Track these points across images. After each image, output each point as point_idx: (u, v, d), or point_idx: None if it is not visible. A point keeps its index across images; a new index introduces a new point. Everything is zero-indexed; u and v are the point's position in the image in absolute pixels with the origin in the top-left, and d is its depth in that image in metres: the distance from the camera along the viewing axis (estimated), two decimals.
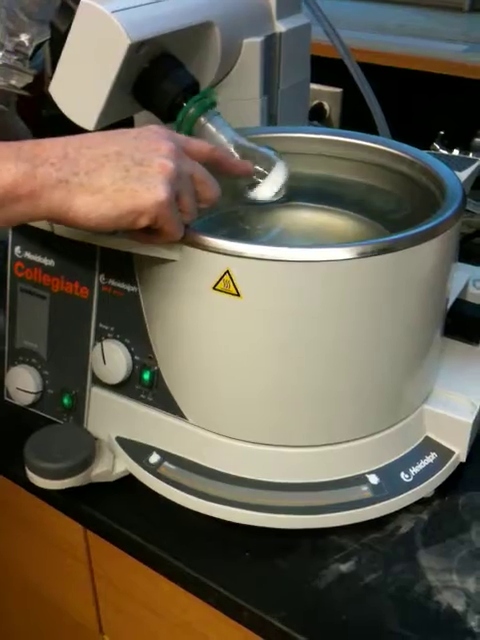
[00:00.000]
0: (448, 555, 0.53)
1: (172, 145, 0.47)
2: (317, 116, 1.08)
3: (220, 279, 0.49)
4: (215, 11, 0.63)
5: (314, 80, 0.82)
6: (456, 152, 0.91)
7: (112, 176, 0.44)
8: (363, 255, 0.47)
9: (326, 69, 0.89)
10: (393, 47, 1.05)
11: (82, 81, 0.57)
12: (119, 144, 0.46)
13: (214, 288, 0.49)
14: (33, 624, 0.82)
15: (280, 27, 0.71)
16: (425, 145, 0.93)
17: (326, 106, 1.08)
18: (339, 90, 1.07)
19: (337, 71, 0.84)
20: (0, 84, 0.66)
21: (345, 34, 0.82)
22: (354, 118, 0.85)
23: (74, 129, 0.59)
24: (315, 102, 1.08)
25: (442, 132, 0.94)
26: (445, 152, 0.92)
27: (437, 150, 0.93)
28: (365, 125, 0.83)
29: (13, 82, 0.67)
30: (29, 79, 0.67)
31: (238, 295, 0.49)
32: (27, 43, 0.65)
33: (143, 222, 0.45)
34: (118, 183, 0.44)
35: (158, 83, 0.58)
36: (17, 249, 0.61)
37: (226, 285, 0.49)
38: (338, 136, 0.64)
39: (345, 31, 0.82)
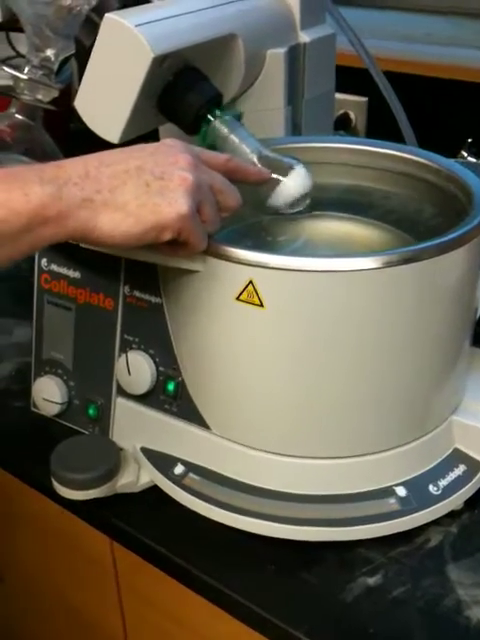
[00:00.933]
0: (478, 569, 0.52)
1: (190, 157, 0.47)
2: (343, 125, 1.08)
3: (244, 290, 0.49)
4: (238, 23, 0.63)
5: (339, 89, 0.82)
6: None
7: (134, 192, 0.44)
8: (388, 264, 0.47)
9: (351, 78, 0.89)
10: (419, 55, 1.04)
11: (107, 95, 0.58)
12: (138, 159, 0.46)
13: (238, 299, 0.49)
14: (59, 633, 0.82)
15: (304, 37, 0.71)
16: (452, 153, 0.92)
17: (352, 115, 1.08)
18: (364, 99, 1.07)
19: (362, 80, 0.84)
20: (26, 99, 0.67)
21: (370, 43, 0.81)
22: (380, 127, 0.84)
23: (101, 143, 0.60)
24: (341, 112, 1.07)
25: (470, 140, 0.93)
26: (473, 160, 0.91)
27: (465, 158, 0.92)
28: (391, 134, 0.82)
29: (39, 97, 0.68)
30: (55, 94, 0.68)
31: (262, 306, 0.49)
32: (53, 58, 0.66)
33: (167, 236, 0.46)
34: (141, 198, 0.44)
35: (182, 96, 0.58)
36: (44, 261, 0.62)
37: (250, 296, 0.49)
38: (363, 145, 0.63)
39: (370, 40, 0.82)
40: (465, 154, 0.93)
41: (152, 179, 0.45)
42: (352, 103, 1.07)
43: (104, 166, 0.45)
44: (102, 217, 0.44)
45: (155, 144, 0.49)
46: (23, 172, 0.43)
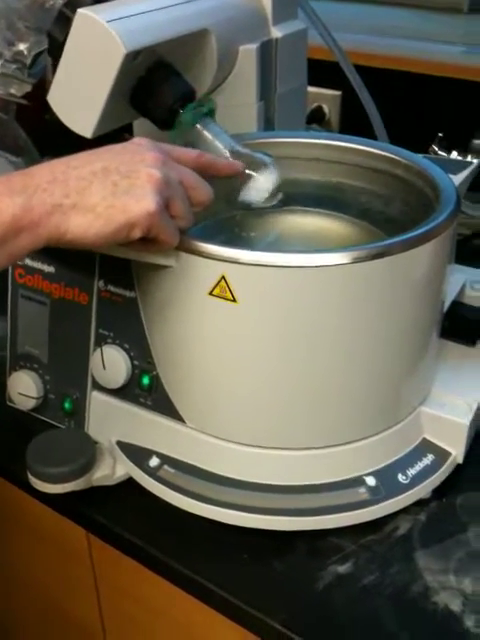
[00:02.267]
0: (445, 556, 0.53)
1: (157, 154, 0.48)
2: (316, 119, 1.09)
3: (216, 285, 0.49)
4: (211, 19, 0.64)
5: (314, 83, 0.83)
6: (455, 154, 0.91)
7: (101, 192, 0.45)
8: (358, 260, 0.48)
9: (326, 72, 0.89)
10: (391, 49, 1.05)
11: (79, 90, 0.58)
12: (104, 160, 0.46)
13: (210, 294, 0.50)
14: (37, 626, 0.82)
15: (276, 33, 0.72)
16: (424, 147, 0.93)
17: (325, 109, 1.09)
18: (338, 93, 1.07)
19: (336, 74, 0.85)
20: None
21: (342, 37, 0.82)
22: (354, 120, 0.85)
23: (75, 136, 0.60)
24: (314, 105, 1.08)
25: (441, 134, 0.95)
26: (444, 154, 0.92)
27: (436, 152, 0.94)
28: (365, 127, 0.83)
29: (12, 91, 0.67)
30: (28, 88, 0.68)
31: (234, 301, 0.49)
32: (26, 52, 0.66)
33: (137, 234, 0.46)
34: (108, 199, 0.45)
35: (155, 91, 0.59)
36: None
37: (222, 291, 0.49)
38: (334, 140, 0.64)
39: (342, 34, 0.83)
40: (436, 148, 0.95)
41: (119, 178, 0.46)
42: (326, 97, 1.08)
43: (71, 169, 0.45)
44: (73, 220, 0.44)
45: (123, 144, 0.49)
46: None
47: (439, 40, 1.07)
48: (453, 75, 0.99)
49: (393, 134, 0.86)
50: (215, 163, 0.54)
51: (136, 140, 0.49)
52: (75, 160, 0.46)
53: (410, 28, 1.10)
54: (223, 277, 0.49)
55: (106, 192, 0.45)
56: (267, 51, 0.70)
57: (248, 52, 0.68)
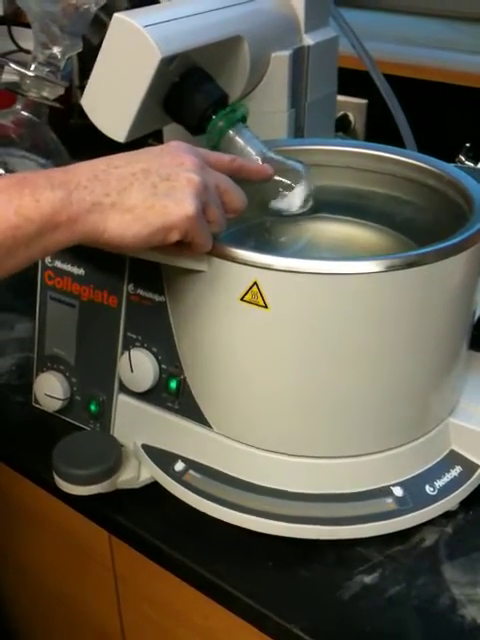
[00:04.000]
0: (472, 569, 0.53)
1: (195, 158, 0.48)
2: (342, 127, 1.09)
3: (248, 291, 0.49)
4: (244, 25, 0.64)
5: (339, 91, 0.83)
6: None
7: (142, 194, 0.45)
8: (391, 268, 0.48)
9: (351, 80, 0.89)
10: (419, 59, 1.05)
11: (113, 94, 0.58)
12: (145, 162, 0.47)
13: (242, 299, 0.50)
14: (57, 628, 0.82)
15: (308, 40, 0.72)
16: (450, 157, 0.93)
17: (351, 117, 1.09)
18: (364, 101, 1.07)
19: (362, 82, 0.85)
20: (33, 96, 0.67)
21: (370, 46, 0.82)
22: (379, 129, 0.85)
23: (102, 140, 0.61)
24: (340, 113, 1.08)
25: (468, 144, 0.94)
26: (471, 164, 0.92)
27: (463, 162, 0.93)
28: (390, 136, 0.83)
29: (45, 94, 0.68)
30: (61, 91, 0.69)
31: (266, 307, 0.49)
32: (59, 56, 0.66)
33: (174, 237, 0.46)
34: (148, 200, 0.45)
35: (188, 96, 0.59)
36: (47, 258, 0.62)
37: (254, 297, 0.49)
38: (366, 149, 0.64)
39: (370, 42, 0.83)
40: (463, 159, 0.94)
41: (159, 180, 0.46)
42: (352, 105, 1.08)
43: (112, 168, 0.46)
44: (111, 220, 0.44)
45: (161, 146, 0.49)
46: (33, 178, 0.43)
47: (467, 50, 1.07)
48: None
49: (420, 143, 0.86)
50: (247, 167, 0.55)
51: (173, 143, 0.49)
52: (116, 160, 0.46)
53: (438, 38, 1.10)
54: (255, 283, 0.49)
55: (146, 194, 0.45)
56: (299, 58, 0.70)
57: (280, 59, 0.68)
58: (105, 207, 0.44)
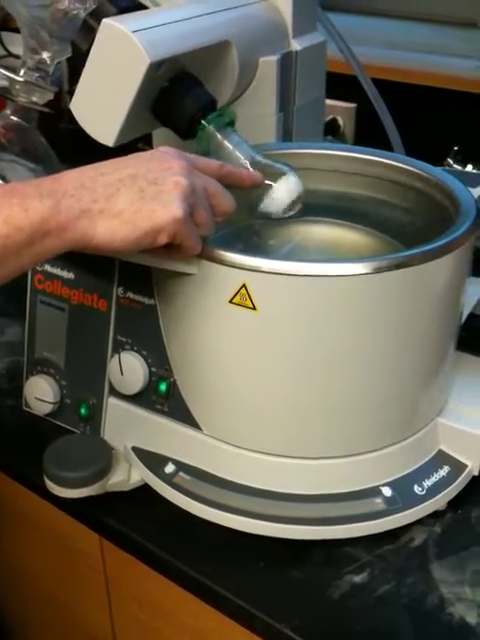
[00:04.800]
0: (461, 568, 0.53)
1: (183, 162, 0.48)
2: (331, 131, 1.09)
3: (237, 293, 0.50)
4: (232, 30, 0.64)
5: (328, 95, 0.83)
6: (470, 168, 0.92)
7: (129, 198, 0.45)
8: (378, 270, 0.48)
9: (339, 84, 0.90)
10: (406, 63, 1.06)
11: (102, 99, 0.59)
12: (132, 167, 0.47)
13: (230, 302, 0.50)
14: (49, 630, 0.82)
15: (296, 45, 0.72)
16: (439, 161, 0.94)
17: (340, 121, 1.10)
18: (353, 105, 1.08)
19: (350, 86, 0.85)
20: (22, 101, 0.68)
21: (358, 50, 0.83)
22: (367, 133, 0.86)
23: (90, 144, 0.61)
24: (329, 117, 1.09)
25: (456, 148, 0.95)
26: (459, 168, 0.93)
27: (451, 166, 0.94)
28: (378, 140, 0.84)
29: (35, 99, 0.68)
30: (50, 96, 0.69)
31: (254, 309, 0.50)
32: (48, 61, 0.67)
33: (163, 240, 0.47)
34: (136, 204, 0.45)
35: (177, 101, 0.59)
36: None
37: (242, 299, 0.50)
38: (354, 152, 0.65)
39: (358, 47, 0.83)
40: (451, 162, 0.95)
41: (146, 185, 0.46)
42: (340, 109, 1.08)
43: (99, 176, 0.46)
44: (100, 226, 0.45)
45: (149, 152, 0.50)
46: (21, 187, 0.44)
47: (454, 54, 1.08)
48: (468, 89, 1.00)
49: (408, 147, 0.86)
50: (237, 174, 0.55)
51: (162, 148, 0.50)
52: (103, 167, 0.47)
53: (426, 42, 1.11)
54: (244, 285, 0.49)
55: (134, 198, 0.45)
56: (287, 63, 0.71)
57: (268, 64, 0.69)
58: (93, 213, 0.45)
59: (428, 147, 0.84)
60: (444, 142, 0.95)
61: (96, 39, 0.57)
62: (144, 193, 0.46)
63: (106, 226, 0.45)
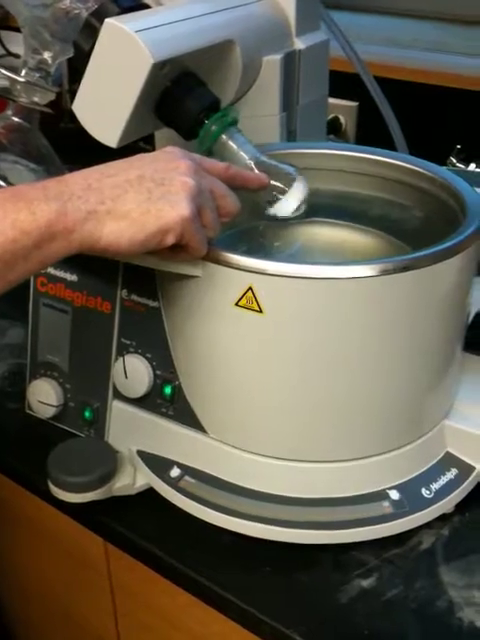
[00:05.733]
0: (470, 571, 0.53)
1: (190, 163, 0.48)
2: (333, 130, 1.09)
3: (243, 295, 0.49)
4: (236, 30, 0.64)
5: (330, 94, 0.83)
6: (473, 166, 0.91)
7: (136, 199, 0.45)
8: (386, 272, 0.48)
9: (342, 83, 0.89)
10: (409, 61, 1.05)
11: (105, 99, 0.58)
12: (139, 168, 0.47)
13: (236, 304, 0.50)
14: (53, 636, 0.82)
15: (299, 44, 0.72)
16: (441, 159, 0.93)
17: (342, 120, 1.09)
18: (355, 104, 1.08)
19: (352, 84, 0.85)
20: (23, 101, 0.67)
21: (360, 48, 0.82)
22: (370, 131, 0.85)
23: (92, 144, 0.60)
24: (331, 116, 1.08)
25: (459, 146, 0.95)
26: (462, 166, 0.92)
27: (454, 164, 0.93)
28: (381, 138, 0.83)
29: (36, 99, 0.67)
30: (51, 96, 0.68)
31: (260, 311, 0.49)
32: (50, 61, 0.66)
33: (170, 240, 0.46)
34: (143, 205, 0.45)
35: (180, 101, 0.59)
36: None
37: (248, 301, 0.49)
38: (358, 152, 0.64)
39: (360, 45, 0.83)
40: (454, 160, 0.95)
41: (153, 185, 0.46)
42: (342, 108, 1.08)
43: (105, 177, 0.46)
44: (107, 227, 0.44)
45: (155, 152, 0.50)
46: (28, 191, 0.43)
47: (458, 52, 1.07)
48: (472, 87, 0.99)
49: (411, 146, 0.86)
50: (243, 175, 0.55)
51: (168, 149, 0.49)
52: (110, 168, 0.46)
53: (429, 40, 1.10)
54: (250, 288, 0.49)
55: (141, 199, 0.45)
56: (290, 62, 0.70)
57: (272, 63, 0.68)
58: (100, 215, 0.44)
59: (431, 146, 0.83)
60: (447, 141, 0.95)
61: (99, 39, 0.57)
62: (152, 193, 0.45)
63: (113, 227, 0.44)
